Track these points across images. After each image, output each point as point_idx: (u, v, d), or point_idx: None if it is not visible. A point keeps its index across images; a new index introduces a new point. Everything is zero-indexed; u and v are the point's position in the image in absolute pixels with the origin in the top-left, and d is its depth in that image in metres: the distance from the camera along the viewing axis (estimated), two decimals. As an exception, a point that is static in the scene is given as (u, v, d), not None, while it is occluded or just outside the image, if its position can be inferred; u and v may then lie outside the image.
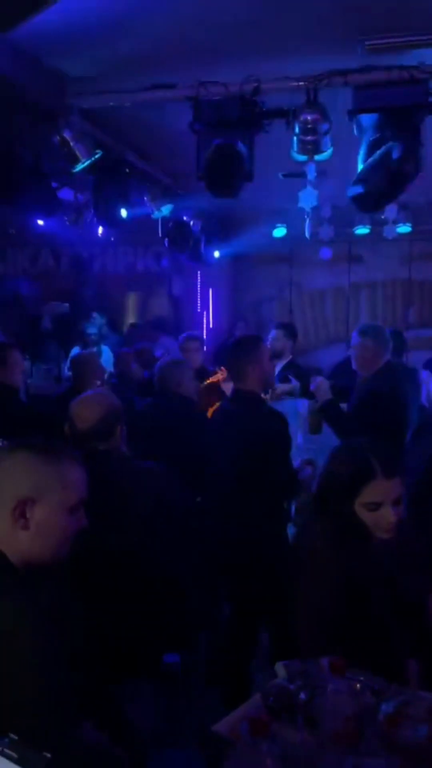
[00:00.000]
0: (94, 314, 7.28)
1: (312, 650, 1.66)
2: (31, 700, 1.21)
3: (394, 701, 1.42)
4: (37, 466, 1.37)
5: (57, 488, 1.37)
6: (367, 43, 2.99)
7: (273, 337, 5.35)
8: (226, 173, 3.34)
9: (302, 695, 1.48)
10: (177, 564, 2.23)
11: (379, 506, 1.77)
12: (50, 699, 1.23)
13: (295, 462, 2.86)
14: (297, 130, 3.20)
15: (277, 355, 5.32)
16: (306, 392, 3.97)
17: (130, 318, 8.58)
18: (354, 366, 3.63)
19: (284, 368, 5.03)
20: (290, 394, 4.08)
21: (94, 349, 6.39)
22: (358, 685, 1.49)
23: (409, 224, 6.66)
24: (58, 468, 1.39)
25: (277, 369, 5.27)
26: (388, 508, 1.77)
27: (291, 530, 2.97)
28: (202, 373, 4.60)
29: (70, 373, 4.54)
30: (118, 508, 2.02)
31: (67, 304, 6.96)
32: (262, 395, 3.01)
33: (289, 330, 5.37)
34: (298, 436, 3.98)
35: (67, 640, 1.38)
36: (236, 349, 2.96)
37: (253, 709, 1.52)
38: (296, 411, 3.95)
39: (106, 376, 5.18)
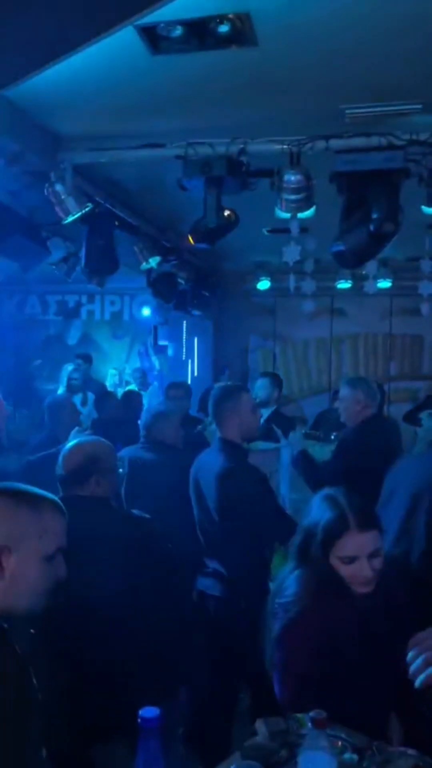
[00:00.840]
0: (79, 360, 7.31)
1: (291, 706, 1.63)
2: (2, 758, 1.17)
3: (375, 758, 1.40)
4: (14, 513, 1.34)
5: (34, 536, 1.34)
6: (348, 112, 3.15)
7: (259, 386, 5.40)
8: (213, 228, 3.45)
9: (282, 753, 1.46)
10: (158, 615, 2.18)
11: (355, 560, 1.77)
12: (21, 758, 1.19)
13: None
14: (281, 189, 3.33)
15: (263, 405, 5.37)
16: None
17: (115, 365, 8.63)
18: (341, 417, 3.64)
19: (269, 418, 5.06)
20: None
21: (75, 395, 6.39)
22: (339, 743, 1.47)
23: (389, 280, 6.86)
24: (35, 516, 1.36)
25: (263, 418, 5.30)
26: (364, 562, 1.76)
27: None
28: (187, 421, 4.61)
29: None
30: (95, 556, 1.98)
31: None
32: (243, 445, 3.00)
33: (275, 379, 5.43)
34: (281, 485, 3.99)
35: (42, 694, 1.35)
36: (218, 397, 2.97)
37: (233, 768, 1.48)
38: (279, 460, 3.96)
39: (89, 421, 5.18)
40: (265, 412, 5.32)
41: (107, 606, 1.98)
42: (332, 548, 1.78)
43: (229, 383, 3.30)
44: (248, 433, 2.93)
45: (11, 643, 1.31)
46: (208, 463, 2.91)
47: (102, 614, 1.97)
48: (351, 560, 1.76)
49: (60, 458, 2.25)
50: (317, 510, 1.89)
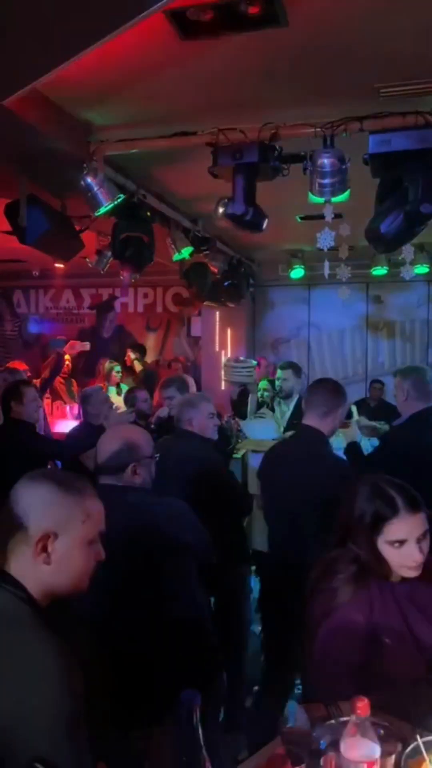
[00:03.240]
0: (139, 352, 7.43)
1: (329, 693, 1.61)
2: (48, 747, 1.18)
3: (419, 748, 1.37)
4: (59, 499, 1.38)
5: (78, 522, 1.38)
6: (382, 90, 3.08)
7: (282, 377, 5.27)
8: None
9: (323, 741, 1.44)
10: (196, 603, 2.18)
11: (404, 543, 1.74)
12: (68, 747, 1.20)
13: None
14: (314, 173, 3.27)
15: (287, 396, 5.29)
16: None
17: (150, 357, 8.69)
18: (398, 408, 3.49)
19: (297, 407, 4.99)
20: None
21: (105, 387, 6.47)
22: (381, 731, 1.44)
23: (427, 265, 6.71)
24: (79, 502, 1.40)
25: (291, 409, 5.24)
26: (413, 545, 1.73)
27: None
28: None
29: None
30: (125, 544, 1.95)
31: (87, 343, 7.08)
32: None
33: (296, 369, 5.35)
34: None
35: (86, 682, 1.36)
36: (336, 390, 2.94)
37: (273, 755, 1.47)
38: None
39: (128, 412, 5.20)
40: (291, 403, 5.25)
41: (146, 592, 1.99)
42: (380, 533, 1.75)
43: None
44: (333, 433, 2.95)
45: (57, 630, 1.32)
46: (299, 451, 2.90)
47: (141, 600, 1.98)
48: (400, 544, 1.73)
49: (97, 446, 2.23)
50: (362, 494, 1.84)
